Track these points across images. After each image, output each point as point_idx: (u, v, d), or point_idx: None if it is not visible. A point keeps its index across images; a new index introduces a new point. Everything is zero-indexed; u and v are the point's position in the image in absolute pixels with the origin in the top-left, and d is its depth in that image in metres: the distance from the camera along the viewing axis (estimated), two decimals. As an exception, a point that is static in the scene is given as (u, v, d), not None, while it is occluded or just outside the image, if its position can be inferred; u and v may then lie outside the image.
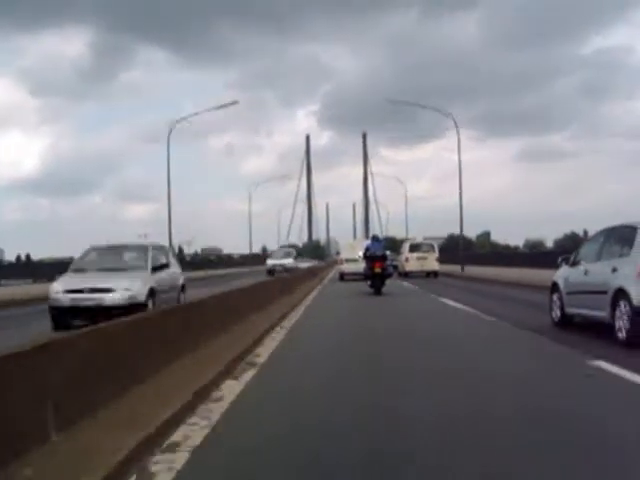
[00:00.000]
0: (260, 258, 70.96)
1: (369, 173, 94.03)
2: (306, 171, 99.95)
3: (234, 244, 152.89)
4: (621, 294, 7.80)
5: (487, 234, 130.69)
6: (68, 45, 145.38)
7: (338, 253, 35.47)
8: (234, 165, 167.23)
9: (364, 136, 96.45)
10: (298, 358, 7.73)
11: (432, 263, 32.77)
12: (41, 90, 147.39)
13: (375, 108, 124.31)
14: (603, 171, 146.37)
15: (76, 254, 15.20)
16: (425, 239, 49.69)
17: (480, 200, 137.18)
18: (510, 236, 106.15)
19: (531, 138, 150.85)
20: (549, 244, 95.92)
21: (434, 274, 32.40)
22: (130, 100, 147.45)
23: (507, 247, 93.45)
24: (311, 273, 32.23)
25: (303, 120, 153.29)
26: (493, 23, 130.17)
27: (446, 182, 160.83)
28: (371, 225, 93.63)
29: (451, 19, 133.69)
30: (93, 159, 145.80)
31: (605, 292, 8.14)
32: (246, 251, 77.70)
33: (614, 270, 8.11)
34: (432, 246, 34.27)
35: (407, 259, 33.35)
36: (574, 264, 9.54)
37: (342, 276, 30.65)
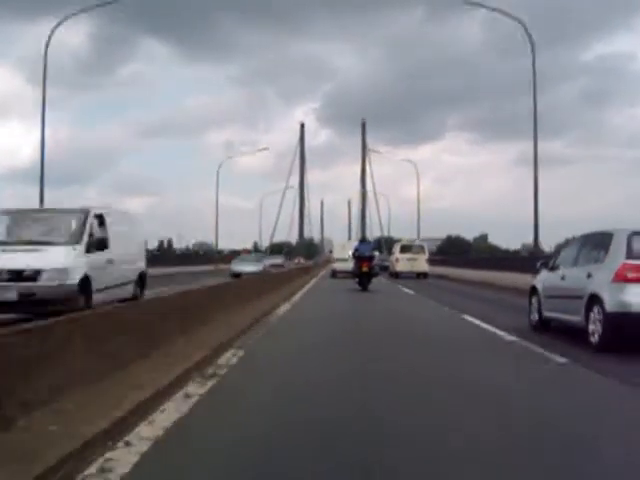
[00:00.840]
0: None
1: (367, 165, 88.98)
2: (299, 161, 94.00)
3: (230, 240, 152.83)
4: (595, 299, 7.91)
5: (484, 237, 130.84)
6: (68, 35, 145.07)
7: (331, 252, 40.65)
8: (231, 161, 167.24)
9: (363, 125, 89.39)
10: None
11: (422, 264, 33.60)
12: (39, 79, 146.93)
13: (375, 108, 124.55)
14: (603, 178, 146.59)
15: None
16: (422, 240, 49.93)
17: (478, 203, 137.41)
18: (507, 240, 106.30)
19: (531, 143, 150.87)
20: (547, 249, 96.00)
21: (424, 275, 33.14)
22: (130, 93, 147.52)
23: (507, 251, 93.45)
24: (275, 281, 20.22)
25: (303, 118, 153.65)
26: (496, 26, 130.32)
27: (444, 184, 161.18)
28: (368, 222, 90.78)
29: (454, 21, 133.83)
30: (90, 151, 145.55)
31: (580, 297, 8.25)
32: (240, 246, 77.51)
33: (589, 276, 8.23)
34: (422, 248, 34.87)
35: (397, 260, 34.25)
36: (553, 269, 9.66)
37: (334, 273, 33.37)
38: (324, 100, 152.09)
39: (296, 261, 70.54)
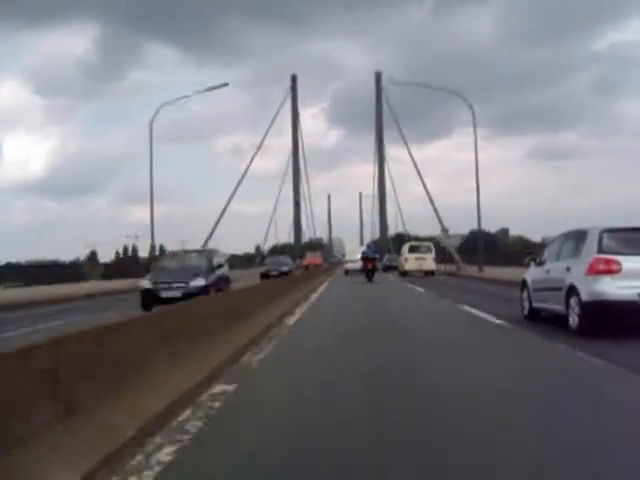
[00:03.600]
0: (252, 259, 70.30)
1: (385, 161, 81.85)
2: (292, 149, 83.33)
3: (235, 245, 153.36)
4: (573, 290, 9.01)
5: (505, 231, 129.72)
6: (74, 42, 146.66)
7: (344, 255, 52.76)
8: (238, 165, 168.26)
9: (378, 116, 79.53)
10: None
11: (429, 263, 36.59)
12: (46, 89, 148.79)
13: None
14: (621, 169, 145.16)
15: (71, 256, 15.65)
16: (445, 236, 51.82)
17: (493, 198, 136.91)
18: (527, 233, 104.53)
19: (543, 136, 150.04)
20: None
21: (431, 273, 36.00)
22: (138, 98, 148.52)
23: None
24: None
25: (311, 118, 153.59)
26: (507, 18, 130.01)
27: (458, 180, 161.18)
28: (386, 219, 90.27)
29: (464, 14, 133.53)
30: (97, 160, 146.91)
31: (561, 288, 9.35)
32: (243, 252, 75.30)
33: (568, 269, 9.32)
34: (430, 248, 37.70)
35: (406, 259, 37.34)
36: (540, 264, 10.76)
37: (347, 272, 42.28)
38: (333, 99, 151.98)
39: (305, 262, 59.01)
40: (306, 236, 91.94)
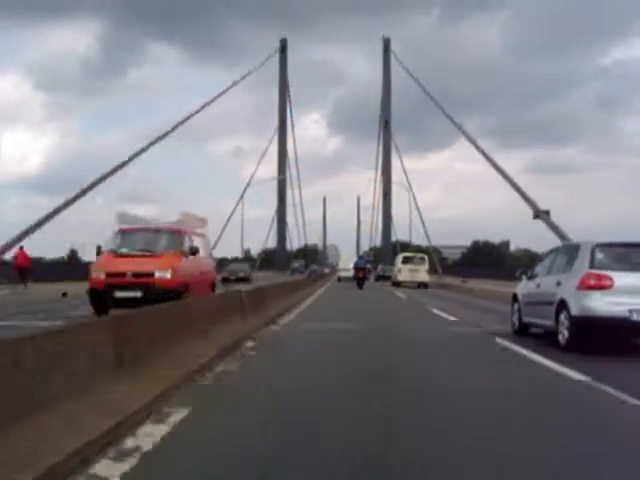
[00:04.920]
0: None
1: (391, 154, 75.65)
2: (278, 128, 78.04)
3: (230, 248, 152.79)
4: (563, 305, 8.81)
5: (506, 243, 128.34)
6: (77, 39, 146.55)
7: (337, 264, 57.10)
8: (237, 169, 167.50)
9: (386, 122, 74.73)
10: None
11: (422, 275, 36.56)
12: (47, 85, 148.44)
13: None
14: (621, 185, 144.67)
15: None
16: (445, 248, 51.63)
17: (490, 210, 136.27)
18: (527, 246, 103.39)
19: (544, 150, 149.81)
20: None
21: (424, 285, 35.68)
22: (138, 97, 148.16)
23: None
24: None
25: (312, 124, 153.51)
26: (512, 30, 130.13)
27: (457, 191, 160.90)
28: (378, 227, 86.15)
29: (471, 26, 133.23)
30: (95, 158, 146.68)
31: (551, 303, 9.15)
32: (237, 254, 73.75)
33: (558, 284, 9.13)
34: (423, 259, 37.51)
35: (400, 270, 37.16)
36: (531, 277, 10.56)
37: (339, 279, 45.07)
38: (335, 106, 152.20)
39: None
40: (293, 243, 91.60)
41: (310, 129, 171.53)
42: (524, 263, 32.93)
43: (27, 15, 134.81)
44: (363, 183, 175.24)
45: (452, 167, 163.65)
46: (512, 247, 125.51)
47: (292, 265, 77.49)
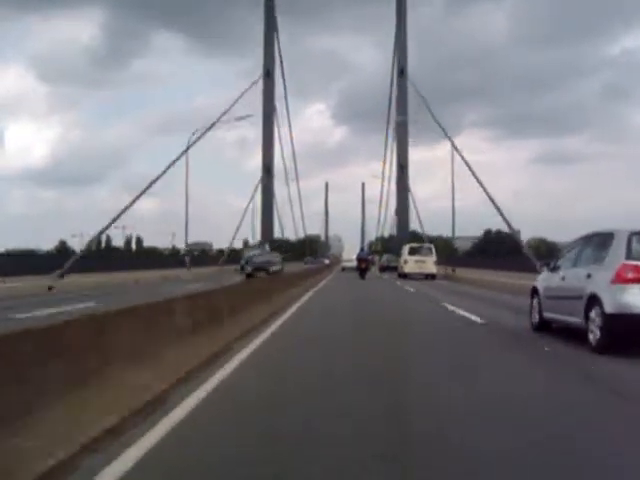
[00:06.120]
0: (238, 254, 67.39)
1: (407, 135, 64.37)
2: (262, 125, 66.85)
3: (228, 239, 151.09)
4: (594, 301, 7.83)
5: (511, 234, 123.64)
6: (80, 29, 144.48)
7: (340, 255, 62.12)
8: (241, 160, 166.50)
9: (401, 71, 62.96)
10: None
11: (430, 266, 34.75)
12: (50, 76, 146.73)
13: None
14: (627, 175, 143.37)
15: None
16: (457, 238, 50.54)
17: (498, 200, 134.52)
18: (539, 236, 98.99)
19: (551, 139, 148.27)
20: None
21: (432, 276, 34.14)
22: (143, 88, 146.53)
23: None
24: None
25: (317, 114, 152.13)
26: (520, 18, 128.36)
27: (461, 182, 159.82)
28: (386, 218, 79.43)
29: (478, 13, 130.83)
30: (101, 150, 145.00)
31: (580, 298, 8.16)
32: (237, 246, 70.95)
33: (589, 276, 8.13)
34: (430, 250, 35.72)
35: (406, 261, 35.44)
36: (554, 269, 9.56)
37: (343, 269, 48.57)
38: (340, 96, 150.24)
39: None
40: (288, 235, 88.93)
41: (315, 120, 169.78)
42: (540, 253, 31.27)
43: (31, 5, 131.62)
44: (368, 174, 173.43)
45: (455, 158, 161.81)
46: (522, 236, 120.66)
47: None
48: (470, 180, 39.75)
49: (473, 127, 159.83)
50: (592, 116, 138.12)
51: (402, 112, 64.20)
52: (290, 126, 77.89)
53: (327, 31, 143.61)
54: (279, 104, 70.39)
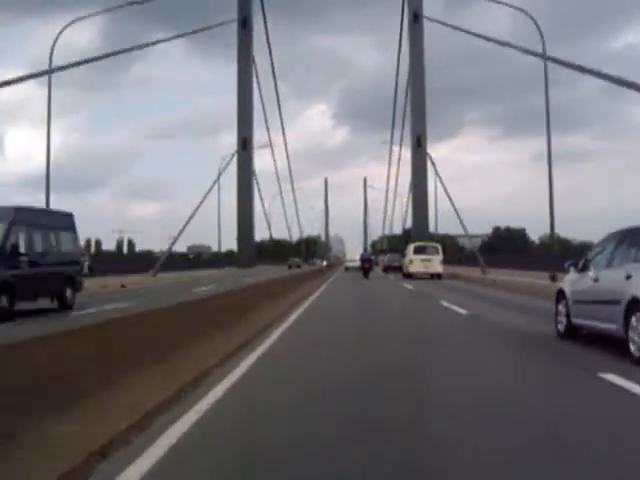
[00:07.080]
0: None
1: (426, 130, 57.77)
2: (237, 124, 59.43)
3: (229, 242, 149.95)
4: (635, 305, 6.83)
5: (522, 230, 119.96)
6: (81, 34, 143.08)
7: (344, 255, 63.33)
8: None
9: (415, 16, 56.69)
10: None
11: (436, 265, 33.52)
12: (53, 81, 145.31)
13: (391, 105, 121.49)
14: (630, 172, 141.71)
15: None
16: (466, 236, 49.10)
17: (498, 200, 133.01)
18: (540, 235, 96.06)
19: (553, 137, 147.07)
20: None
21: (437, 276, 33.06)
22: (143, 93, 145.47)
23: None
24: None
25: (318, 115, 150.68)
26: (521, 14, 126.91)
27: (462, 181, 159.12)
28: (395, 216, 78.53)
29: (478, 10, 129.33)
30: (102, 155, 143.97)
31: (618, 302, 7.16)
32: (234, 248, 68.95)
33: (628, 277, 7.12)
34: (436, 248, 34.53)
35: (411, 261, 34.20)
36: (583, 270, 8.55)
37: (347, 268, 48.84)
38: (341, 96, 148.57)
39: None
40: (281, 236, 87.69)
41: (315, 120, 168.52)
42: (555, 251, 29.56)
43: (36, 11, 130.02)
44: (370, 173, 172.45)
45: (454, 158, 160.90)
46: (531, 234, 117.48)
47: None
48: (470, 180, 38.34)
49: (475, 125, 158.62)
50: (595, 112, 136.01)
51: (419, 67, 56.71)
52: (282, 121, 76.03)
53: (327, 31, 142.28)
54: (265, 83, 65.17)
